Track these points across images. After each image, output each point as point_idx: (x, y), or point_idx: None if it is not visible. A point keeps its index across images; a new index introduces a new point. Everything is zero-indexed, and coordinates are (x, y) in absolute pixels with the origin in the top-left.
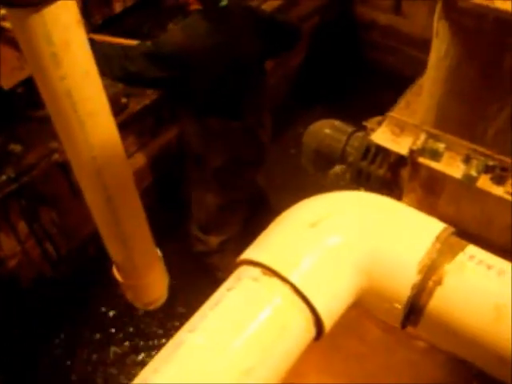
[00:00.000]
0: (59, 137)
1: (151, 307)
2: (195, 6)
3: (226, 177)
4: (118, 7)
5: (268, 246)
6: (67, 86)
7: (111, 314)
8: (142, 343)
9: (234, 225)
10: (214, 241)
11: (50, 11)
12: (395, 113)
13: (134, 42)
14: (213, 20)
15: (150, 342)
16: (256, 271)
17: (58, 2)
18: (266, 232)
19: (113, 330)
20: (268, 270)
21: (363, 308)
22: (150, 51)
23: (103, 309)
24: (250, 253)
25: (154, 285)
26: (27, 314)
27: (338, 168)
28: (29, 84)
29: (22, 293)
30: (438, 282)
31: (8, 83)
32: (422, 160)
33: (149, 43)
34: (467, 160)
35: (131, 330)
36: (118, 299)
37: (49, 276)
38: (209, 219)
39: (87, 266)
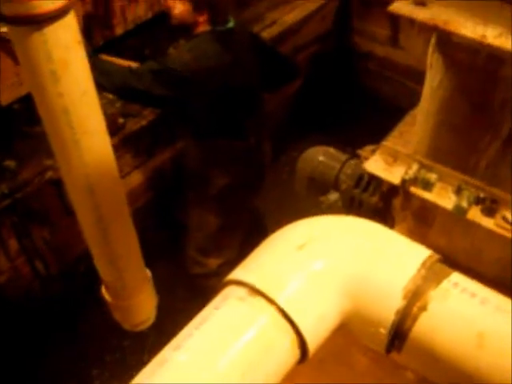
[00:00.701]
0: (54, 153)
1: (139, 328)
2: (202, 28)
3: (227, 198)
4: (119, 29)
5: (255, 266)
6: (64, 103)
7: (98, 334)
8: (129, 363)
9: (233, 247)
10: (212, 263)
11: (51, 30)
12: (389, 142)
13: (134, 64)
14: (219, 41)
15: (138, 362)
16: (242, 291)
17: (60, 22)
18: (253, 253)
19: (100, 350)
20: (254, 291)
21: (350, 335)
22: (157, 69)
23: (91, 328)
24: (237, 273)
25: (142, 306)
26: (14, 332)
27: (330, 195)
28: (26, 100)
29: (9, 310)
30: (423, 308)
31: (6, 99)
32: (413, 190)
33: (155, 62)
34: (458, 191)
35: (118, 351)
36: (106, 320)
37: (38, 294)
38: (208, 241)
39: (77, 284)
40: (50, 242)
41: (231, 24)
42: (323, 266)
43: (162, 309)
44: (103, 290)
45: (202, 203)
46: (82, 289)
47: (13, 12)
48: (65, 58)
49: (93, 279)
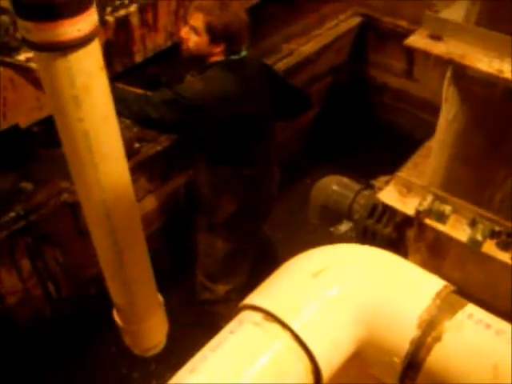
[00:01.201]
0: (72, 176)
1: (149, 354)
2: (216, 58)
3: (236, 225)
4: (138, 57)
5: (271, 292)
6: (85, 127)
7: (107, 359)
8: None
9: (241, 274)
10: (221, 289)
11: (75, 57)
12: (403, 173)
13: (149, 92)
14: (231, 70)
15: None
16: (258, 316)
17: (84, 49)
18: (269, 279)
19: (109, 375)
20: (270, 316)
21: (362, 364)
22: (170, 98)
23: (100, 353)
24: (252, 298)
25: (153, 331)
26: (22, 354)
27: (341, 225)
28: (44, 124)
29: (18, 331)
30: (437, 339)
31: (25, 122)
32: (428, 221)
33: (169, 91)
34: (473, 224)
35: (125, 379)
36: (115, 344)
37: (47, 316)
38: (217, 267)
39: (87, 307)
40: (62, 264)
41: (244, 53)
42: (338, 293)
43: (169, 335)
44: (114, 313)
45: (211, 229)
46: (92, 312)
47: (40, 39)
48: (87, 84)
49: (103, 303)
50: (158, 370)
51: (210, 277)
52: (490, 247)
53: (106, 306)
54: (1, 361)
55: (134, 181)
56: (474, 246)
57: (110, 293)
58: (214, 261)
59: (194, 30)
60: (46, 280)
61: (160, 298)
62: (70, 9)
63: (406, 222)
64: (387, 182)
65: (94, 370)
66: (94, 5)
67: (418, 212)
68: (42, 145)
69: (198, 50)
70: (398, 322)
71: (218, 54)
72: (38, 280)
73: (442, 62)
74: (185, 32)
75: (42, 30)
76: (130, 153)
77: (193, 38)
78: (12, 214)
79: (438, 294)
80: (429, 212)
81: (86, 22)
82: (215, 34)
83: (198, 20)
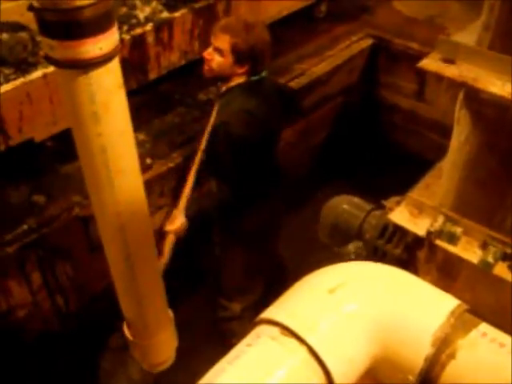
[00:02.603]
0: (87, 189)
1: (157, 369)
2: (238, 80)
3: (254, 241)
4: (152, 75)
5: (288, 307)
6: (102, 142)
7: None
8: None
9: (256, 291)
10: (236, 307)
11: (96, 74)
12: (414, 193)
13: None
14: (255, 92)
15: None
16: (275, 330)
17: (105, 67)
18: (286, 294)
19: None
20: (286, 330)
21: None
22: (231, 151)
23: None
24: (270, 312)
25: (162, 346)
26: (30, 367)
27: (354, 244)
28: (58, 138)
29: (26, 344)
30: (451, 356)
31: (40, 136)
32: (439, 242)
33: (223, 148)
34: (484, 246)
35: None
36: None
37: (55, 330)
38: (234, 284)
39: (95, 322)
40: (72, 278)
41: (264, 73)
42: (354, 309)
43: (179, 350)
44: (125, 327)
45: (229, 246)
46: (100, 327)
47: (63, 56)
48: (106, 100)
49: (112, 318)
50: None
51: (226, 294)
52: (501, 269)
53: (113, 323)
54: (8, 373)
55: (146, 196)
56: (485, 267)
57: (120, 307)
58: (231, 279)
59: (219, 51)
60: (55, 293)
61: (170, 313)
62: (93, 28)
63: (417, 242)
64: (398, 203)
65: None
66: (116, 24)
67: (429, 233)
68: (55, 159)
69: (221, 70)
70: (412, 339)
71: (240, 75)
72: (48, 293)
73: (455, 85)
74: (208, 53)
75: (66, 48)
76: (142, 168)
77: (217, 59)
78: (24, 227)
79: (453, 313)
80: (440, 233)
81: (107, 41)
82: (241, 55)
83: (223, 41)
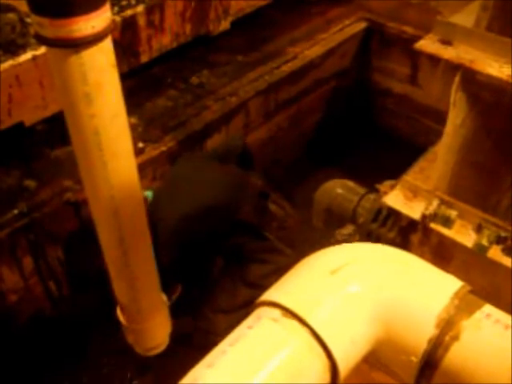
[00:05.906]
0: (80, 173)
1: (151, 353)
2: None
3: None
4: (144, 57)
5: (289, 288)
6: (95, 124)
7: (107, 359)
8: None
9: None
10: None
11: (88, 53)
12: (409, 177)
13: None
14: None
15: None
16: (276, 312)
17: (97, 46)
18: (286, 276)
19: (111, 376)
20: (288, 312)
21: (378, 361)
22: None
23: (101, 353)
24: (270, 294)
25: (156, 330)
26: (22, 352)
27: (347, 228)
28: (49, 122)
29: (18, 329)
30: (455, 338)
31: (30, 120)
32: (433, 226)
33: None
34: (479, 229)
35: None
36: (115, 344)
37: (48, 314)
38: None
39: (88, 307)
40: (64, 263)
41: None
42: (356, 290)
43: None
44: (118, 312)
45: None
46: (93, 312)
47: (54, 35)
48: (99, 80)
49: (104, 302)
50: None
51: (215, 310)
52: (495, 253)
53: (107, 306)
54: (0, 359)
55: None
56: (479, 251)
57: (114, 291)
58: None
59: None
60: (47, 278)
61: (164, 297)
62: (85, 5)
63: (411, 226)
64: (393, 186)
65: (95, 370)
66: (109, 1)
67: (423, 216)
68: (45, 143)
69: None
70: (416, 320)
71: None
72: (40, 278)
73: (452, 67)
74: None
75: (57, 26)
76: (135, 152)
77: None
78: (15, 212)
79: (456, 294)
80: (434, 216)
81: (100, 19)
82: None
83: None
